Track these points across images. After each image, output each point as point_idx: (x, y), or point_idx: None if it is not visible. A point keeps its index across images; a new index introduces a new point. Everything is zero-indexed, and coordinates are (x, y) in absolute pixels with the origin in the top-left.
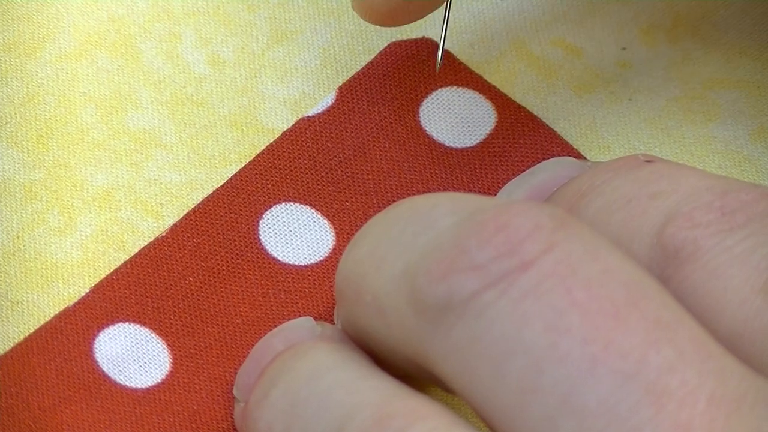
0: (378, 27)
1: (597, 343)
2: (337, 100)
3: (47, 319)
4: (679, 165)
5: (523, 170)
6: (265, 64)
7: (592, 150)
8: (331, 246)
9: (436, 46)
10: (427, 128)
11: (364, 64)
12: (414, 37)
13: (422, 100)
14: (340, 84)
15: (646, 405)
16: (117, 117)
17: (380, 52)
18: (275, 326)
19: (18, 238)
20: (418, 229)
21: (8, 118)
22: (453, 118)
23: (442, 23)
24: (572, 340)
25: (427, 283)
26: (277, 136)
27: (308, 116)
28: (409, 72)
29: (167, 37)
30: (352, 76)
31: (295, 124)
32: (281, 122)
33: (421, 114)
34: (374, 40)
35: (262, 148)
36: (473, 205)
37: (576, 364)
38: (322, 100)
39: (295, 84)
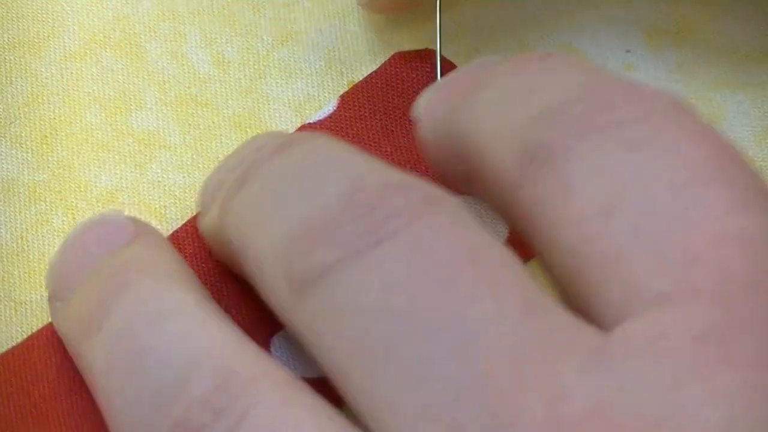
0: (382, 30)
1: (422, 299)
2: (338, 107)
3: (50, 320)
4: (573, 59)
5: None
6: (269, 64)
7: None
8: None
9: (439, 57)
10: None
11: (368, 66)
12: (419, 46)
13: None
14: (343, 90)
15: (456, 356)
16: (121, 117)
17: (384, 63)
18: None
19: (22, 238)
20: (305, 190)
21: (13, 118)
22: None
23: (436, 35)
24: (402, 297)
25: (297, 256)
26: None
27: (310, 122)
28: (412, 82)
29: (172, 37)
30: (355, 84)
31: (297, 130)
32: (285, 124)
33: None
34: (379, 42)
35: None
36: (358, 176)
37: (401, 319)
38: (323, 107)
39: (300, 85)
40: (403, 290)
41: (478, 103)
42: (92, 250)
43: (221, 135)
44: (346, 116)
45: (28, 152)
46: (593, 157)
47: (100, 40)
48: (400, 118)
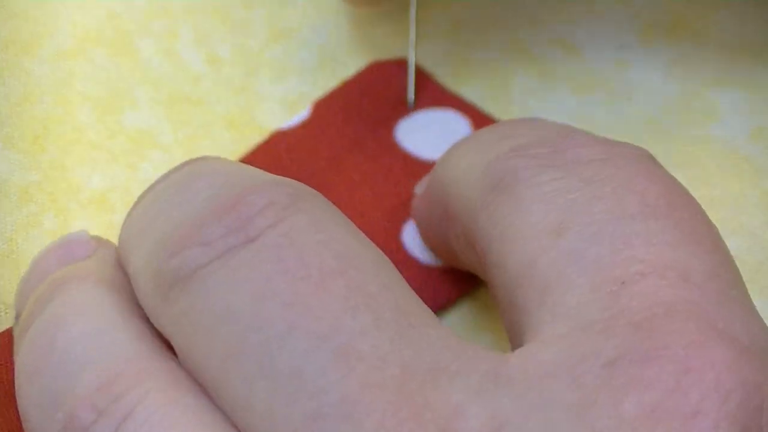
0: (375, 28)
1: (296, 307)
2: (312, 114)
3: None
4: (548, 121)
5: None
6: (262, 62)
7: None
8: None
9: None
10: (402, 143)
11: (361, 65)
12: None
13: (399, 120)
14: (319, 98)
15: (335, 368)
16: (113, 117)
17: (360, 71)
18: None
19: (12, 240)
20: (176, 202)
21: (5, 118)
22: (430, 134)
23: (411, 44)
24: (274, 304)
25: (164, 259)
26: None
27: (282, 129)
28: (387, 92)
29: (165, 35)
30: (330, 91)
31: (269, 137)
32: (277, 122)
33: (397, 131)
34: (371, 39)
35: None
36: (227, 182)
37: (275, 328)
38: (296, 115)
39: (292, 83)
40: (277, 296)
41: (457, 150)
42: (51, 268)
43: (213, 133)
44: (319, 123)
45: (20, 153)
46: (550, 186)
47: (93, 38)
48: (374, 126)
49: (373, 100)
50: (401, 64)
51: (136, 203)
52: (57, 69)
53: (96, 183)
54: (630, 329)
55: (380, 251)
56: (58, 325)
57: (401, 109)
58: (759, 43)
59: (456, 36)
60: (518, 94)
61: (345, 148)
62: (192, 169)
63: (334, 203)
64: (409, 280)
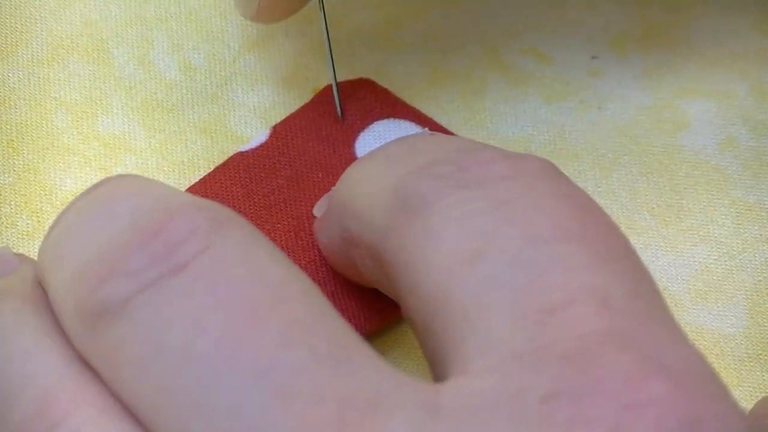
0: (349, 38)
1: (231, 342)
2: (270, 137)
3: None
4: (455, 136)
5: None
6: (236, 71)
7: (561, 158)
8: None
9: (374, 85)
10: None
11: (334, 68)
12: (388, 59)
13: (358, 134)
14: (307, 99)
15: (273, 405)
16: (88, 122)
17: (317, 94)
18: None
19: None
20: (97, 225)
21: None
22: None
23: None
24: (209, 339)
25: (87, 290)
26: (246, 143)
27: (242, 151)
28: (345, 110)
29: (139, 43)
30: (288, 116)
31: (229, 159)
32: (251, 130)
33: (357, 146)
34: (346, 49)
35: (231, 155)
36: (148, 205)
37: (210, 364)
38: (254, 138)
39: (266, 92)
40: (208, 331)
41: (358, 169)
42: None
43: (186, 140)
44: (278, 144)
45: None
46: (460, 210)
47: (68, 45)
48: (334, 144)
49: (332, 120)
50: (356, 84)
51: (56, 222)
52: (32, 75)
53: (69, 186)
54: (563, 362)
55: (308, 279)
56: None
57: (360, 123)
58: (731, 54)
59: (429, 44)
60: (490, 102)
61: (306, 166)
62: (112, 189)
63: (296, 217)
64: (367, 294)
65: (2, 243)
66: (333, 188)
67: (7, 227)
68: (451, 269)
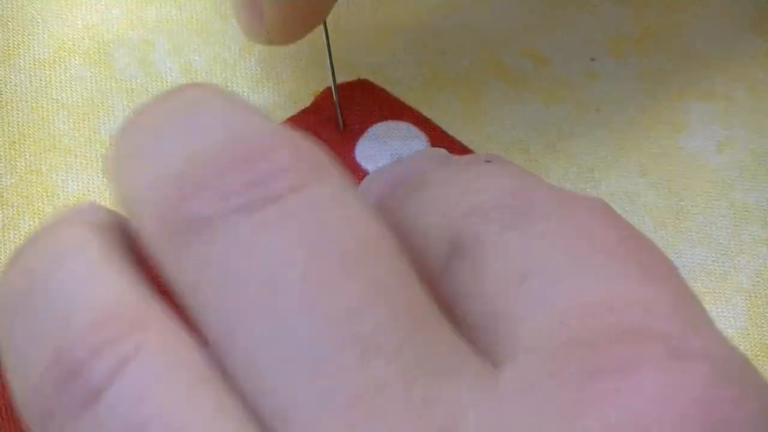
0: (348, 40)
1: (317, 284)
2: None
3: None
4: (507, 165)
5: None
6: (237, 74)
7: (560, 160)
8: None
9: (373, 86)
10: (362, 164)
11: (334, 75)
12: (389, 61)
13: (358, 138)
14: (309, 102)
15: (347, 355)
16: (89, 124)
17: (316, 97)
18: None
19: None
20: (186, 134)
21: None
22: (388, 153)
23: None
24: (295, 274)
25: (173, 201)
26: None
27: None
28: (344, 113)
29: (140, 45)
30: (287, 119)
31: None
32: None
33: (356, 151)
34: (345, 50)
35: None
36: (244, 124)
37: (293, 299)
38: None
39: (266, 94)
40: (296, 266)
41: (419, 200)
42: None
43: None
44: None
45: None
46: (511, 246)
47: (69, 47)
48: (336, 147)
49: (332, 126)
50: (355, 85)
51: (132, 120)
52: (33, 77)
53: (72, 188)
54: (607, 347)
55: (394, 240)
56: (49, 263)
57: (360, 126)
58: (728, 56)
59: (429, 45)
60: (489, 103)
61: None
62: (198, 97)
63: None
64: None
65: (5, 246)
66: (385, 189)
67: (10, 229)
68: (499, 293)
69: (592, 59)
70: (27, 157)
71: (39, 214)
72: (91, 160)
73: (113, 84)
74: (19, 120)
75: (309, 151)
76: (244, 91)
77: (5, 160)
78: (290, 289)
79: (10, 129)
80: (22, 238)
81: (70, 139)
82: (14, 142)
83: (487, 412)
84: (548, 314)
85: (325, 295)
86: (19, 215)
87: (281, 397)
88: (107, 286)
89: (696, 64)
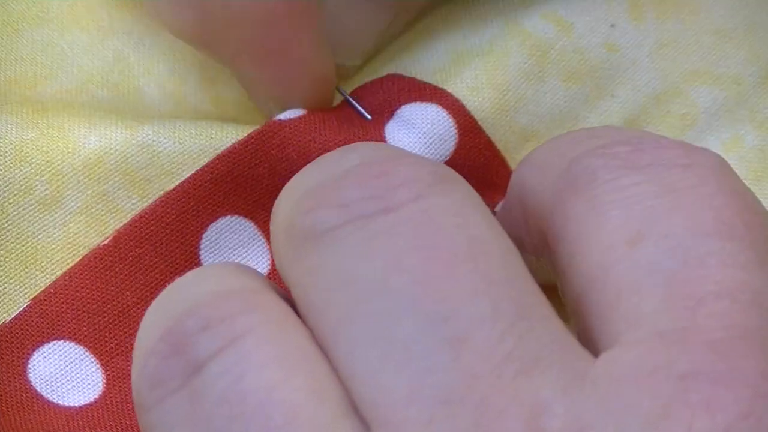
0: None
1: (422, 285)
2: (307, 113)
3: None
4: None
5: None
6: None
7: None
8: (268, 265)
9: (401, 77)
10: (391, 141)
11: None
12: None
13: (387, 121)
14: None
15: (445, 350)
16: (116, 105)
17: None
18: None
19: (2, 211)
20: (329, 165)
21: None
22: (416, 136)
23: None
24: (401, 278)
25: (301, 213)
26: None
27: (277, 120)
28: (371, 104)
29: (170, 78)
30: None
31: (263, 126)
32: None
33: (386, 130)
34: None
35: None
36: (377, 153)
37: (396, 301)
38: (292, 110)
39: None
40: (404, 270)
41: (534, 153)
42: None
43: (216, 118)
44: (314, 120)
45: (16, 116)
46: (629, 191)
47: (98, 80)
48: (364, 130)
49: (365, 106)
50: (388, 78)
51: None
52: (59, 101)
53: (93, 144)
54: (705, 346)
55: (511, 241)
56: None
57: (387, 112)
58: (743, 28)
59: (451, 11)
60: (514, 81)
61: (337, 144)
62: (350, 146)
63: None
64: None
65: (17, 212)
66: (513, 171)
67: (25, 193)
68: (611, 248)
69: (612, 26)
70: (50, 115)
71: (57, 175)
72: (115, 119)
73: (141, 109)
74: (44, 100)
75: (431, 167)
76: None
77: (26, 115)
78: (396, 291)
79: (34, 104)
80: (35, 205)
81: (95, 106)
82: (37, 110)
83: (573, 407)
84: (655, 292)
85: (428, 296)
86: (36, 176)
87: (374, 389)
88: (229, 271)
89: (712, 36)
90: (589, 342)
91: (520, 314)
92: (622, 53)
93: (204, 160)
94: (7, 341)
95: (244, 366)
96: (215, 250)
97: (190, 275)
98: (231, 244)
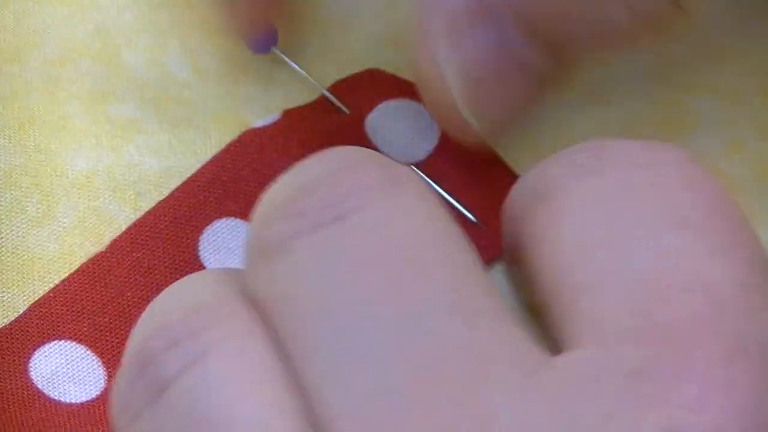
0: (367, 42)
1: (367, 294)
2: (282, 116)
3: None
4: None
5: (460, 187)
6: (248, 75)
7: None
8: None
9: (381, 72)
10: (372, 139)
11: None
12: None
13: (366, 115)
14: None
15: (393, 358)
16: (99, 108)
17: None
18: None
19: None
20: (291, 179)
21: None
22: (398, 131)
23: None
24: (348, 288)
25: (259, 228)
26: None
27: (253, 128)
28: (351, 99)
29: (152, 48)
30: (298, 106)
31: (240, 135)
32: (262, 122)
33: (366, 125)
34: (359, 52)
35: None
36: (334, 163)
37: (344, 310)
38: (267, 117)
39: (278, 92)
40: (349, 280)
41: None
42: None
43: (198, 124)
44: (290, 124)
45: (5, 139)
46: (591, 195)
47: (80, 49)
48: (343, 127)
49: (337, 112)
50: (368, 73)
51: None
52: (44, 73)
53: (80, 165)
54: (658, 342)
55: (463, 239)
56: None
57: (366, 107)
58: (740, 46)
59: None
60: None
61: (317, 145)
62: (317, 156)
63: None
64: None
65: (11, 230)
66: None
67: (16, 213)
68: (572, 251)
69: None
70: (36, 137)
71: (47, 195)
72: (101, 139)
73: (124, 79)
74: (29, 105)
75: (381, 172)
76: (255, 90)
77: (14, 140)
78: (342, 300)
79: (20, 113)
80: (29, 222)
81: (80, 120)
82: (23, 125)
83: (523, 415)
84: (615, 291)
85: (374, 305)
86: (26, 198)
87: (322, 403)
88: (199, 288)
89: (708, 53)
90: (555, 348)
91: (474, 312)
92: (617, 62)
93: (190, 171)
94: (7, 342)
95: (208, 383)
96: (215, 250)
97: (168, 290)
98: (231, 245)
